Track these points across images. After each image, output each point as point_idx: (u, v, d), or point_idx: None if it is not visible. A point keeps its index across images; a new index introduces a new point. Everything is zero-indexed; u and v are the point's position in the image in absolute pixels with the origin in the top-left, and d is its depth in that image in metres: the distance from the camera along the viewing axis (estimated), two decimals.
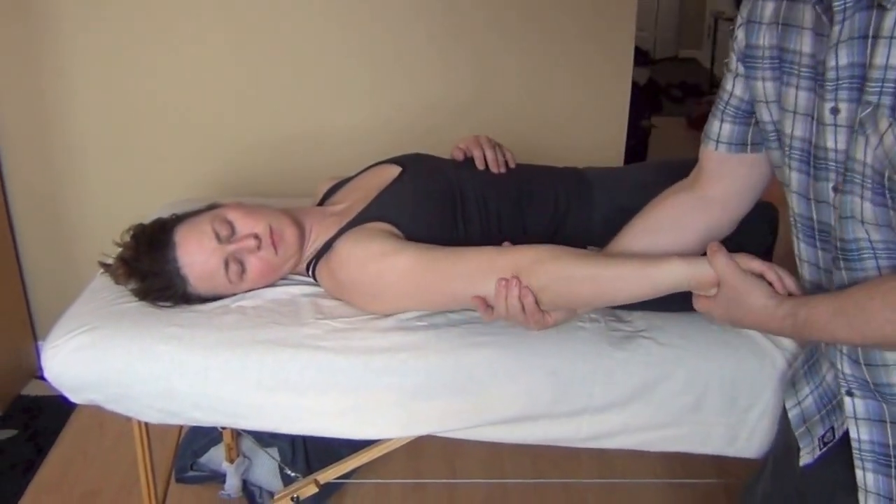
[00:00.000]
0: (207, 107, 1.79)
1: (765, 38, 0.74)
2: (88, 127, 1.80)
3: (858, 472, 0.74)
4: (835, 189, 0.69)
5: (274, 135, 1.82)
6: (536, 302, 0.90)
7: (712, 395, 1.00)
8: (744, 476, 0.96)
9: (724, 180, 0.87)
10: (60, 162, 1.83)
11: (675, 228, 0.91)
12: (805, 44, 0.69)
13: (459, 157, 1.19)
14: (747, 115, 0.81)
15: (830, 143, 0.67)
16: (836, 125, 0.67)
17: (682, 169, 0.99)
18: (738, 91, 0.81)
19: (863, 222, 0.66)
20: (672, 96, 4.69)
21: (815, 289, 0.77)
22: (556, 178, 1.17)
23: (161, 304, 1.07)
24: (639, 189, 1.12)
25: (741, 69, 0.79)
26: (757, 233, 1.10)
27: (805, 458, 0.80)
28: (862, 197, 0.65)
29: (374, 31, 1.75)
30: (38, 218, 1.88)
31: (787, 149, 0.73)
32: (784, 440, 0.88)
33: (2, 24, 1.71)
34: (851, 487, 0.76)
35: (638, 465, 1.66)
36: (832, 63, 0.65)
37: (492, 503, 1.59)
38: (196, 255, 1.04)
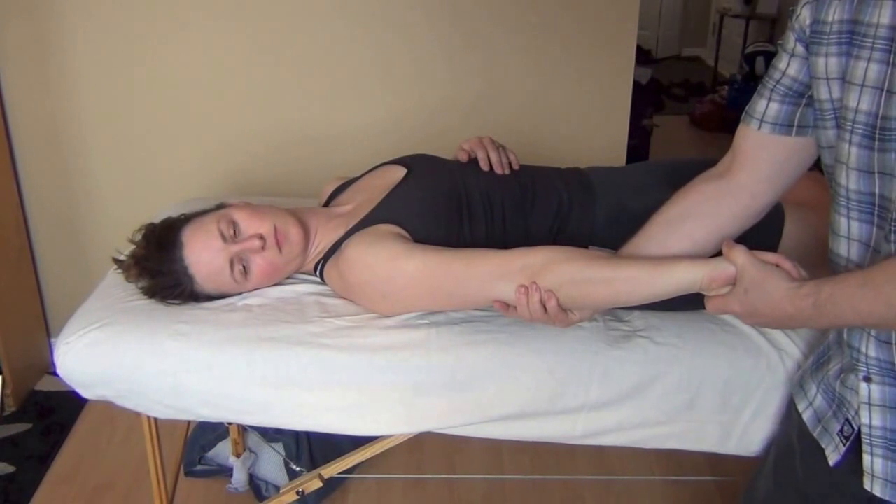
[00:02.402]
0: (216, 108, 1.81)
1: (835, 13, 0.74)
2: (99, 128, 1.82)
3: (866, 458, 0.74)
4: None
5: (282, 136, 1.84)
6: (559, 303, 0.91)
7: (706, 393, 1.01)
8: (738, 474, 0.97)
9: (758, 165, 0.86)
10: (72, 164, 1.85)
11: (700, 216, 0.90)
12: (884, 15, 0.69)
13: (464, 158, 1.20)
14: (798, 95, 0.81)
15: None
16: None
17: (684, 168, 0.99)
18: (793, 71, 0.80)
19: None
20: (674, 95, 4.67)
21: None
22: (559, 178, 1.18)
23: (170, 301, 1.09)
24: (640, 189, 1.14)
25: (799, 48, 0.78)
26: (766, 231, 1.10)
27: (832, 458, 0.79)
28: None
29: (382, 33, 1.76)
30: (52, 218, 1.91)
31: (848, 124, 0.72)
32: (787, 441, 0.88)
33: (12, 27, 1.73)
34: (854, 494, 0.76)
35: (634, 462, 1.68)
36: None
37: (491, 499, 1.60)
38: (202, 255, 1.06)
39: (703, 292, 0.85)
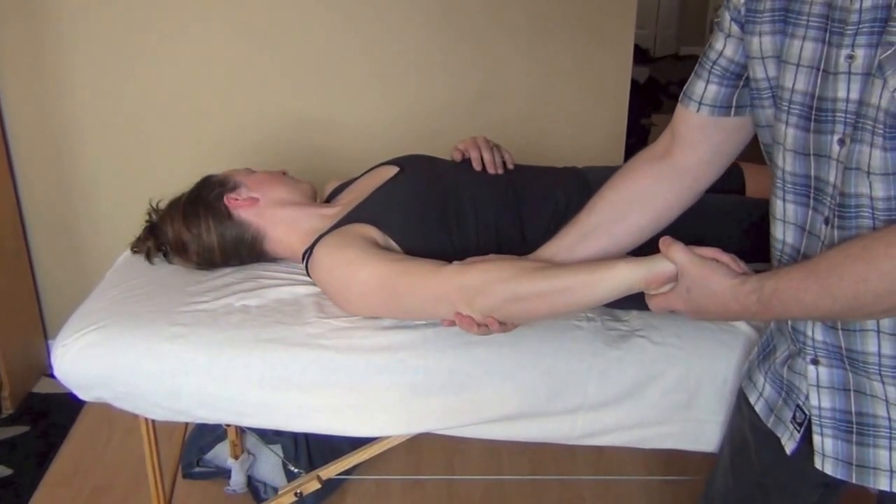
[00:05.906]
0: (214, 112, 1.81)
1: None
2: (97, 130, 1.82)
3: (816, 438, 0.75)
4: (840, 141, 0.67)
5: (280, 139, 1.84)
6: (501, 321, 0.91)
7: (704, 393, 1.01)
8: None
9: (699, 147, 0.85)
10: (70, 166, 1.85)
11: (645, 201, 0.89)
12: None
13: (458, 158, 1.21)
14: (735, 77, 0.80)
15: (841, 93, 0.66)
16: (850, 73, 0.65)
17: None
18: (729, 52, 0.79)
19: (869, 173, 0.65)
20: (672, 94, 4.68)
21: (794, 253, 0.75)
22: (556, 178, 1.18)
23: (201, 211, 1.18)
24: None
25: (735, 28, 0.77)
26: (729, 227, 1.11)
27: (788, 446, 0.79)
28: (872, 145, 0.64)
29: (380, 33, 1.76)
30: (49, 220, 1.91)
31: (784, 104, 0.71)
32: (740, 435, 0.88)
33: (9, 28, 1.72)
34: (812, 481, 0.77)
35: (633, 462, 1.68)
36: (856, 6, 0.64)
37: (490, 499, 1.60)
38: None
39: (645, 291, 0.84)
